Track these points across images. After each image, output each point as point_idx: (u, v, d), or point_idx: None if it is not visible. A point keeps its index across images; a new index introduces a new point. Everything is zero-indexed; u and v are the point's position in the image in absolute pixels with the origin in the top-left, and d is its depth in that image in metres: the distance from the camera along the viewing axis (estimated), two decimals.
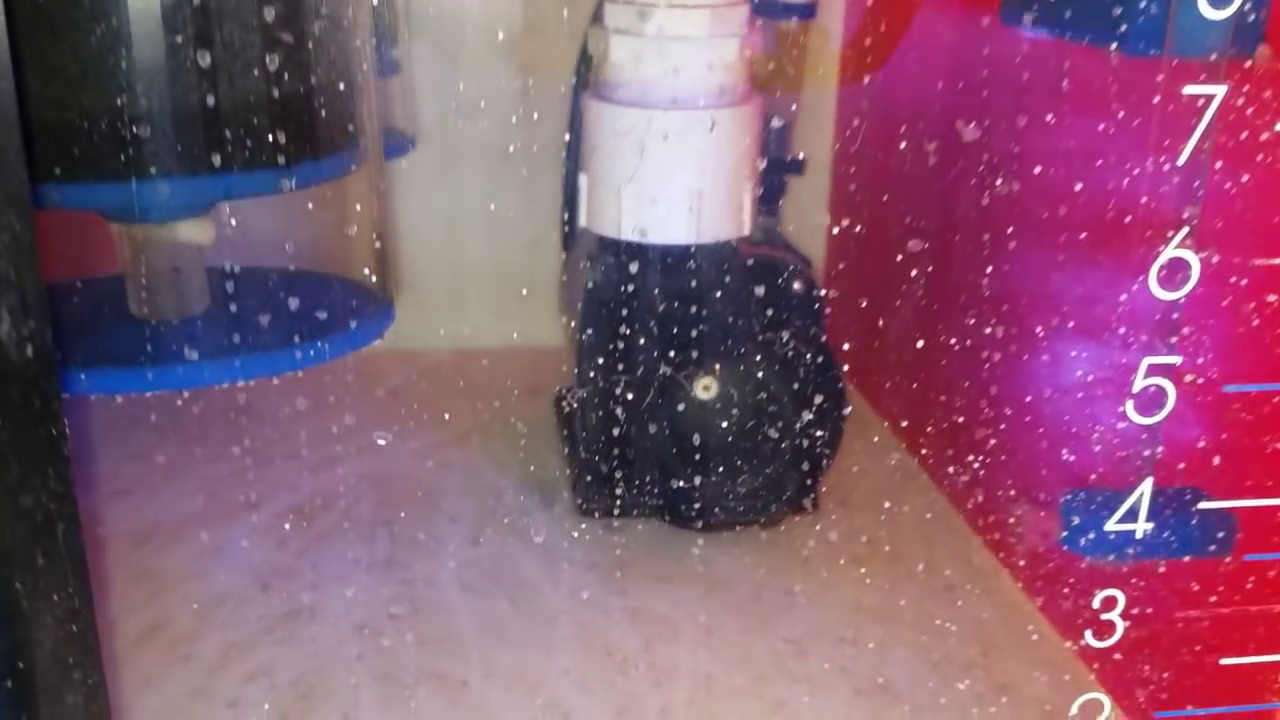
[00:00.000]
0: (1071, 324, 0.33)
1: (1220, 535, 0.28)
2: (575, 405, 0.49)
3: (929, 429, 0.53)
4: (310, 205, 0.35)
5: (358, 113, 0.32)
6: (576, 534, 0.48)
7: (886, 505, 0.51)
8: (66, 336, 0.32)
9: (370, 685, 0.39)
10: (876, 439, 0.57)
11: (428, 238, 0.62)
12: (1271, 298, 0.27)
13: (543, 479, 0.52)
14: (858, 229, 0.63)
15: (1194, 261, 0.25)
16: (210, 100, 0.28)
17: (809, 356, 0.47)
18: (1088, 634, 0.29)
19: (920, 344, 0.51)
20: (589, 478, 0.49)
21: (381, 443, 0.53)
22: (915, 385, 0.54)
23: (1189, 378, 0.27)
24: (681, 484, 0.47)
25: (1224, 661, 0.29)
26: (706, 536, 0.48)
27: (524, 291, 0.62)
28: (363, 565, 0.46)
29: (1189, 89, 0.24)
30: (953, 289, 0.49)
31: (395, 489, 0.51)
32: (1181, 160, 0.24)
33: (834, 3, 0.62)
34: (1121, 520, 0.27)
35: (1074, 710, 0.32)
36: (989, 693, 0.37)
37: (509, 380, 0.61)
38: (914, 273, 0.52)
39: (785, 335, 0.47)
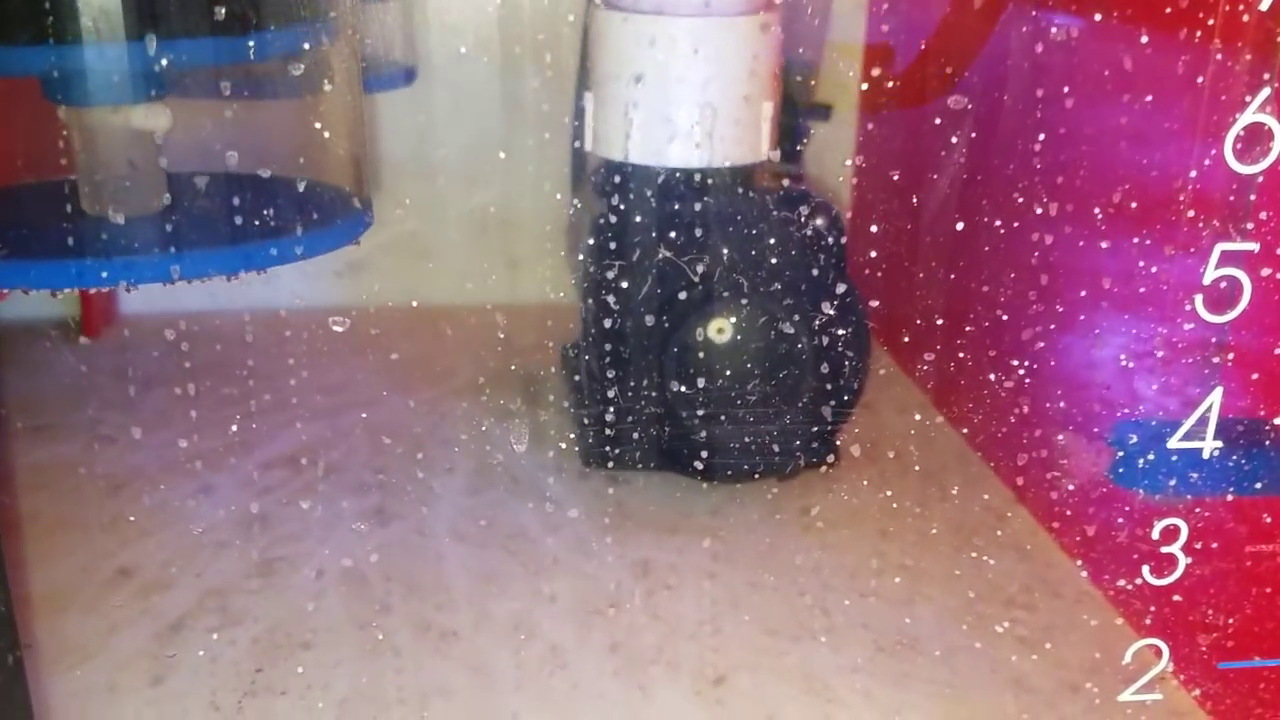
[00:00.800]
0: (1134, 205, 0.29)
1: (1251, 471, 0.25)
2: (580, 350, 0.46)
3: (959, 383, 0.49)
4: (285, 107, 0.32)
5: None
6: (579, 486, 0.45)
7: (914, 455, 0.47)
8: (17, 232, 0.29)
9: (353, 634, 0.36)
10: (901, 391, 0.53)
11: (430, 181, 0.59)
12: None
13: (546, 432, 0.49)
14: (884, 176, 0.59)
15: (1278, 129, 0.22)
16: None
17: (831, 297, 0.43)
18: (1145, 570, 0.25)
19: (945, 279, 0.48)
20: (592, 428, 0.45)
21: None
22: (941, 331, 0.50)
23: (1266, 271, 0.23)
24: (690, 434, 0.44)
25: None
26: (718, 489, 0.45)
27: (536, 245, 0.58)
28: (354, 514, 0.43)
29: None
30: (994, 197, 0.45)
31: (398, 440, 0.48)
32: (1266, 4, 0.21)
33: None
34: (1186, 438, 0.23)
35: (1127, 658, 0.28)
36: (1033, 637, 0.34)
37: (517, 335, 0.57)
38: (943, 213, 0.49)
39: (806, 273, 0.43)
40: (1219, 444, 0.24)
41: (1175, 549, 0.25)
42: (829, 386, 0.44)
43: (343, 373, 0.54)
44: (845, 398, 0.45)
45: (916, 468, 0.47)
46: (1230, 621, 0.26)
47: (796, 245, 0.44)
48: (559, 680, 0.34)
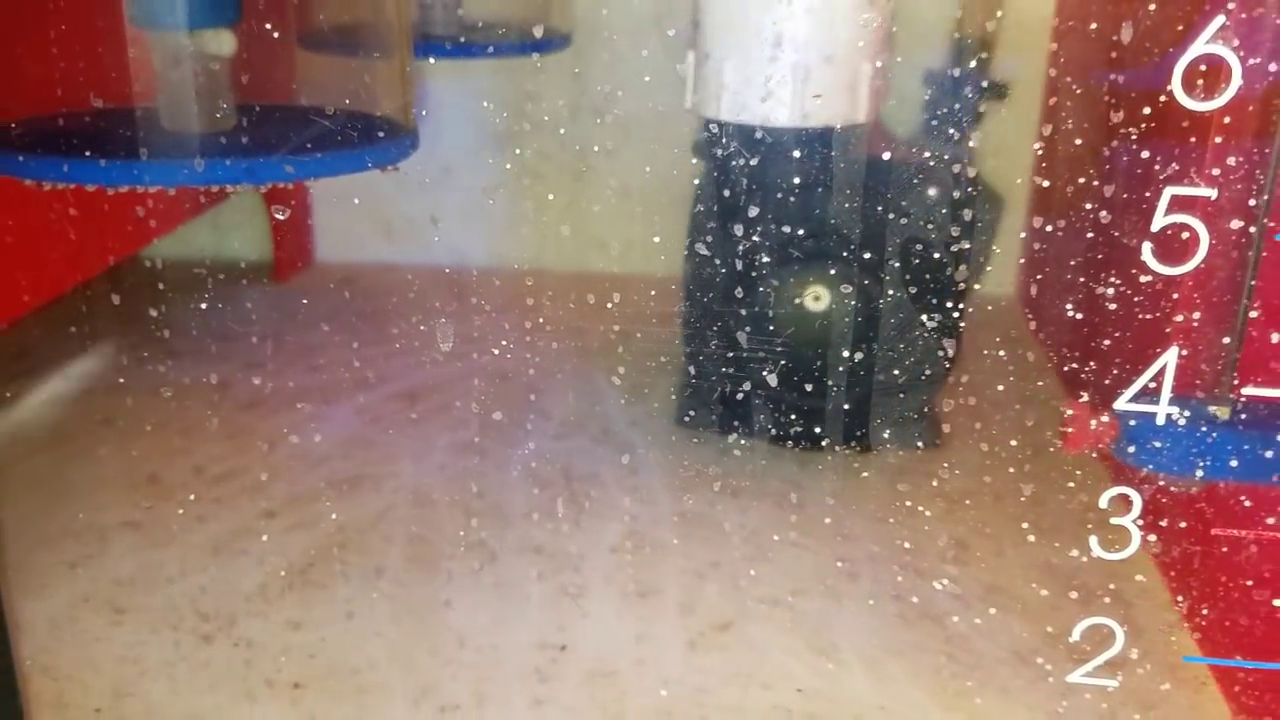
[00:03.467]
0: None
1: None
2: (684, 310, 0.47)
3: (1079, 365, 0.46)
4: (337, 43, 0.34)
5: None
6: (664, 443, 0.46)
7: (1015, 452, 0.45)
8: (104, 142, 0.33)
9: (404, 545, 0.39)
10: (1042, 383, 0.50)
11: (580, 152, 0.61)
12: None
13: (652, 393, 0.50)
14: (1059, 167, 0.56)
15: (1234, 61, 0.19)
16: None
17: (922, 277, 0.42)
18: (1092, 541, 0.23)
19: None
20: (689, 390, 0.46)
21: (445, 347, 0.53)
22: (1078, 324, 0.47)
23: (1236, 224, 0.21)
24: (778, 400, 0.43)
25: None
26: (800, 456, 0.44)
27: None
28: (446, 446, 0.45)
29: None
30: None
31: (507, 388, 0.51)
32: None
33: None
34: (1135, 400, 0.22)
35: (1075, 635, 0.26)
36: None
37: (647, 304, 0.59)
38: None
39: (903, 246, 0.42)
40: (1173, 410, 0.22)
41: (1127, 521, 0.23)
42: (917, 363, 0.43)
43: (483, 325, 0.57)
44: (934, 376, 0.43)
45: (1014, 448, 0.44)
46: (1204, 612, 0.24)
47: (900, 216, 0.43)
48: (569, 600, 0.35)
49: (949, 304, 0.44)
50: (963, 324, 0.44)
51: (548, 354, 0.55)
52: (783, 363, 0.43)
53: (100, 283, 0.45)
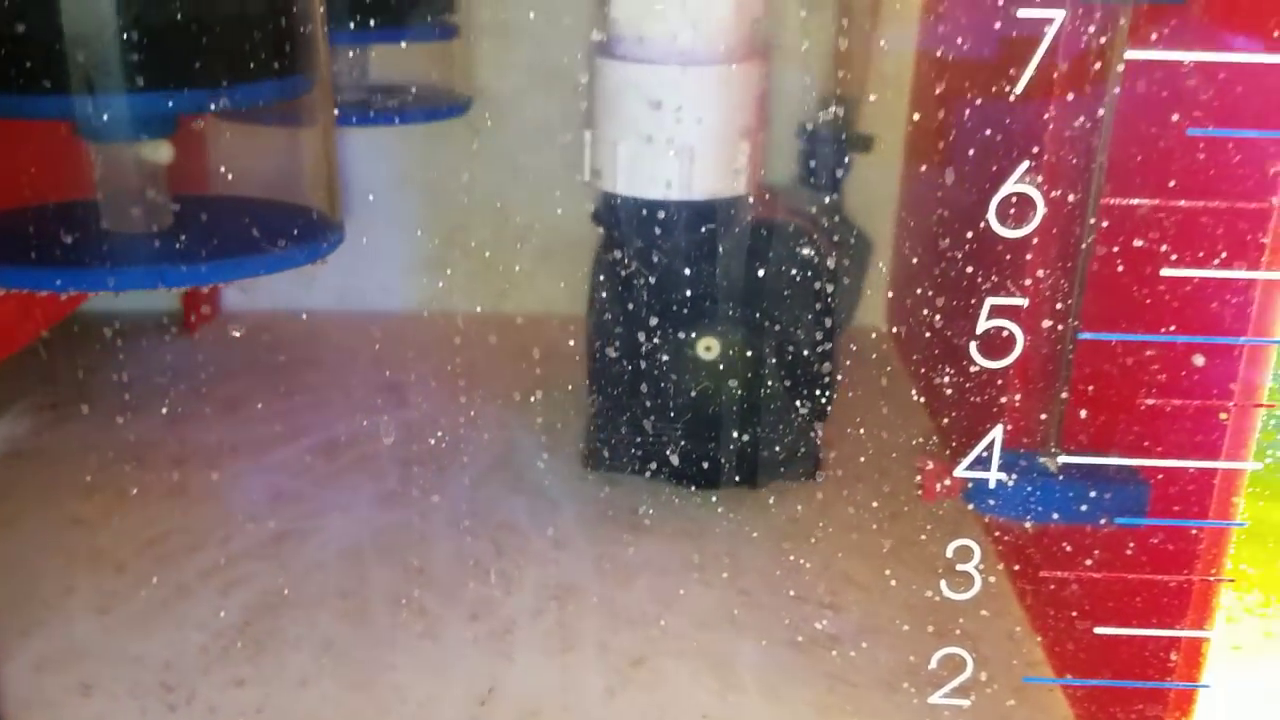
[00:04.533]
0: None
1: (1094, 496, 0.27)
2: (587, 362, 0.51)
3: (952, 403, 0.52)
4: (266, 134, 0.37)
5: (307, 37, 0.34)
6: (575, 484, 0.50)
7: (896, 474, 0.50)
8: (50, 246, 0.35)
9: (335, 602, 0.42)
10: (911, 413, 0.56)
11: (478, 200, 0.64)
12: (1137, 241, 0.26)
13: (559, 435, 0.54)
14: (920, 210, 0.61)
15: (1038, 198, 0.24)
16: (157, 20, 0.31)
17: (803, 321, 0.47)
18: (942, 585, 0.28)
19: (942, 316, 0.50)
20: (594, 431, 0.50)
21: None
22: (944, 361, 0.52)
23: (1047, 323, 0.26)
24: (677, 442, 0.48)
25: (1099, 631, 0.28)
26: (702, 494, 0.49)
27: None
28: (366, 499, 0.48)
29: (1024, 11, 0.23)
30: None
31: (424, 436, 0.54)
32: (1019, 89, 0.24)
33: None
34: (971, 467, 0.26)
35: (933, 664, 0.31)
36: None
37: (554, 344, 0.62)
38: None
39: (781, 297, 0.47)
40: (1002, 475, 0.26)
41: (970, 567, 0.27)
42: (798, 403, 0.47)
43: (395, 373, 0.60)
44: (814, 413, 0.48)
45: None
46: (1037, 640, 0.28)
47: (777, 273, 0.48)
48: (503, 646, 0.39)
49: (825, 344, 0.48)
50: (838, 362, 0.48)
51: (462, 399, 0.58)
52: (680, 408, 0.48)
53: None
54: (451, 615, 0.41)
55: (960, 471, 0.27)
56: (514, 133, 0.63)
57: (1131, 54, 0.24)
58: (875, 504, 0.46)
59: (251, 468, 0.51)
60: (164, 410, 0.56)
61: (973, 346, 0.25)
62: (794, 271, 0.48)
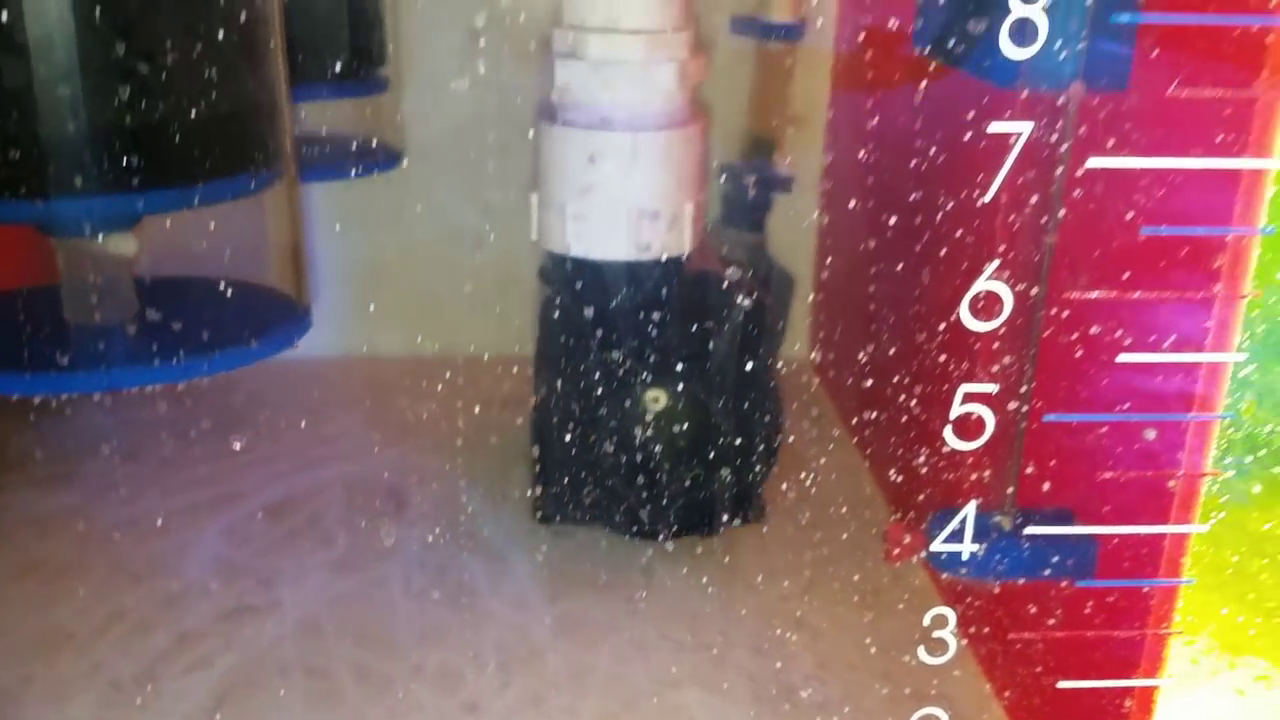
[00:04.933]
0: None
1: (1055, 560, 0.29)
2: (534, 415, 0.51)
3: (881, 441, 0.54)
4: (232, 219, 0.37)
5: (274, 131, 0.34)
6: (529, 540, 0.50)
7: (831, 515, 0.52)
8: (9, 340, 0.35)
9: (300, 680, 0.41)
10: (841, 450, 0.58)
11: (421, 249, 0.64)
12: (1094, 329, 0.28)
13: (508, 487, 0.54)
14: (840, 247, 0.64)
15: (1006, 294, 0.26)
16: (124, 123, 0.30)
17: (746, 369, 0.48)
18: (920, 650, 0.29)
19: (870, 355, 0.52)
20: (543, 487, 0.50)
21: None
22: (873, 398, 0.54)
23: (1013, 405, 0.28)
24: (626, 494, 0.49)
25: (1061, 685, 0.30)
26: (653, 545, 0.50)
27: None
28: (319, 565, 0.48)
29: (995, 126, 0.25)
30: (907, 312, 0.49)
31: (366, 493, 0.54)
32: (988, 196, 0.25)
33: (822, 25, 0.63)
34: (947, 540, 0.28)
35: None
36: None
37: (498, 388, 0.62)
38: (884, 289, 0.53)
39: (722, 348, 0.48)
40: (975, 546, 0.28)
41: (946, 633, 0.29)
42: (743, 450, 0.49)
43: (334, 425, 0.60)
44: (760, 461, 0.49)
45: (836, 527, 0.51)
46: (1006, 695, 0.30)
47: (719, 325, 0.49)
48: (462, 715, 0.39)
49: (769, 391, 0.50)
50: (782, 406, 0.50)
51: (406, 449, 0.58)
52: (629, 460, 0.49)
53: None
54: (421, 689, 0.41)
55: (936, 545, 0.28)
56: (446, 183, 0.63)
57: (1094, 163, 0.26)
58: (826, 550, 0.48)
59: (196, 536, 0.50)
60: (95, 477, 0.55)
61: (949, 430, 0.27)
62: (737, 322, 0.49)
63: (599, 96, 0.46)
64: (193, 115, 0.32)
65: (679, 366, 0.48)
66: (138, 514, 0.52)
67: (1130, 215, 0.27)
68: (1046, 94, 0.25)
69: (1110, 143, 0.26)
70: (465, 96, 0.62)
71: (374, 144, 0.61)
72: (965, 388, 0.27)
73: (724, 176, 0.65)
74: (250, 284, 0.38)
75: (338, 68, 0.56)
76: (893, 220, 0.46)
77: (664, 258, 0.48)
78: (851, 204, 0.59)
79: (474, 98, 0.61)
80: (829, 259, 0.66)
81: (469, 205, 0.64)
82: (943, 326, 0.33)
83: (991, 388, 0.27)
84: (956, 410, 0.27)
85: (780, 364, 0.62)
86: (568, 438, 0.49)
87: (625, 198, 0.46)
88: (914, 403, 0.39)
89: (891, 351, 0.47)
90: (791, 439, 0.55)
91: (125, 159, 0.31)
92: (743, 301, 0.50)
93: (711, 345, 0.49)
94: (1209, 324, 0.27)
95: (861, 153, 0.56)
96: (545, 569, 0.48)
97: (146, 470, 0.55)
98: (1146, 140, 0.26)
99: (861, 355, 0.56)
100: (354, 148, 0.60)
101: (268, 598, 0.46)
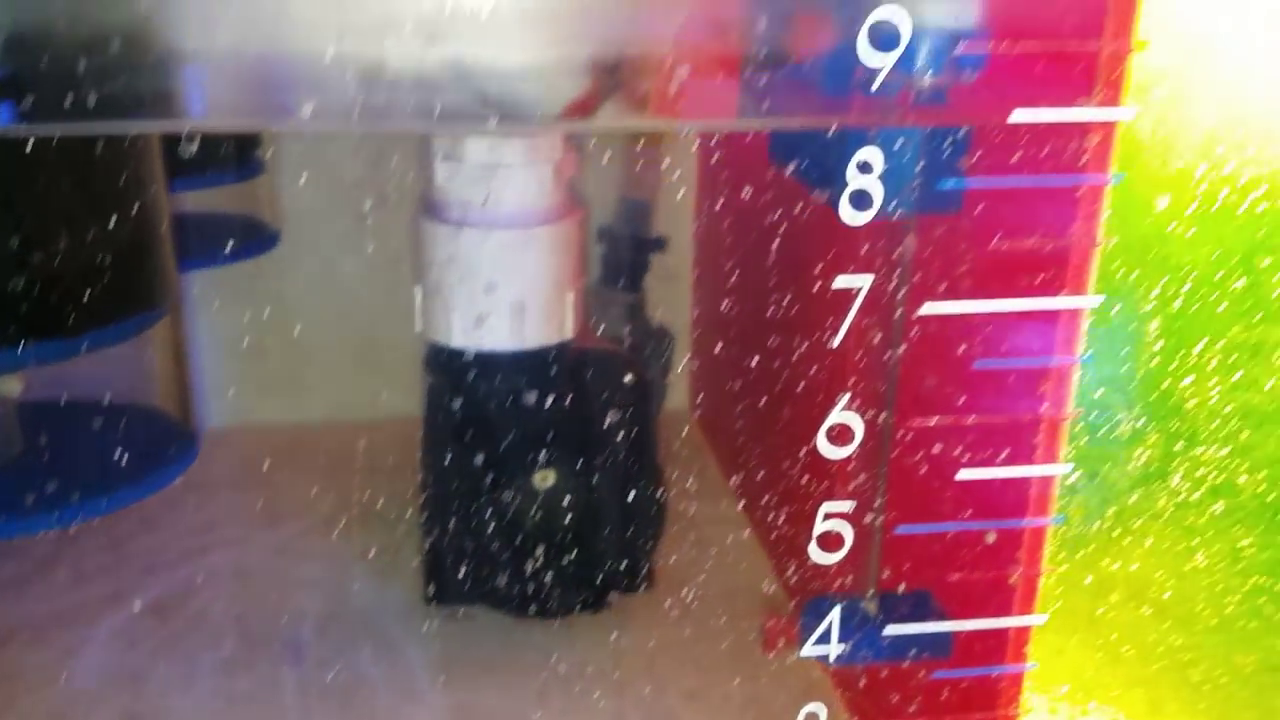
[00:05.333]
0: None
1: (913, 652, 0.32)
2: (423, 498, 0.52)
3: (763, 503, 0.56)
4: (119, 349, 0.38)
5: (157, 268, 0.35)
6: (421, 626, 0.51)
7: (718, 584, 0.54)
8: None
9: None
10: (726, 511, 0.60)
11: (305, 322, 0.65)
12: (935, 448, 0.31)
13: (398, 566, 0.55)
14: (714, 304, 0.66)
15: (857, 424, 0.29)
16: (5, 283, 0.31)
17: (628, 446, 0.50)
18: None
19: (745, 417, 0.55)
20: (434, 570, 0.52)
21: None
22: (753, 457, 0.57)
23: (869, 518, 0.30)
24: (516, 574, 0.50)
25: None
26: (541, 624, 0.51)
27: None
28: (207, 666, 0.48)
29: (839, 281, 0.28)
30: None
31: (253, 583, 0.54)
32: (836, 342, 0.28)
33: None
34: (817, 643, 0.31)
35: None
36: None
37: (382, 458, 0.63)
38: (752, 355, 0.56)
39: (609, 429, 0.50)
40: (841, 647, 0.31)
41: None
42: (632, 525, 0.51)
43: (217, 505, 0.59)
44: (647, 533, 0.52)
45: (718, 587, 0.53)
46: None
47: (602, 403, 0.51)
48: None
49: (647, 458, 0.52)
50: (665, 478, 0.52)
51: (293, 530, 0.58)
52: (519, 541, 0.50)
53: None
54: None
55: (807, 650, 0.31)
56: (324, 264, 0.64)
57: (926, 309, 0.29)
58: (711, 621, 0.50)
59: (80, 641, 0.50)
60: None
61: (813, 546, 0.29)
62: (620, 398, 0.52)
63: (477, 195, 0.47)
64: (75, 269, 0.32)
65: (565, 447, 0.50)
66: (17, 620, 0.51)
67: (963, 349, 0.30)
68: (884, 248, 0.28)
69: (942, 287, 0.29)
70: (338, 179, 0.63)
71: (251, 224, 0.61)
72: (826, 506, 0.29)
73: (600, 239, 0.68)
74: (137, 408, 0.38)
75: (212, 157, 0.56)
76: (754, 360, 0.49)
77: (546, 345, 0.50)
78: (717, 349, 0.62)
79: (347, 180, 0.62)
80: (703, 315, 0.69)
81: (347, 282, 0.65)
82: (803, 452, 0.36)
83: (848, 505, 0.30)
84: (819, 527, 0.29)
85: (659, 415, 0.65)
86: (456, 522, 0.50)
87: (505, 292, 0.48)
88: (781, 520, 0.41)
89: (759, 477, 0.49)
90: (674, 492, 0.57)
91: (9, 315, 0.32)
92: (626, 379, 0.52)
93: (597, 424, 0.51)
94: (1038, 439, 0.30)
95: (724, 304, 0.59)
96: (438, 655, 0.49)
97: (26, 570, 0.54)
98: (972, 285, 0.30)
99: (733, 479, 0.58)
100: (231, 229, 0.61)
101: (162, 704, 0.46)
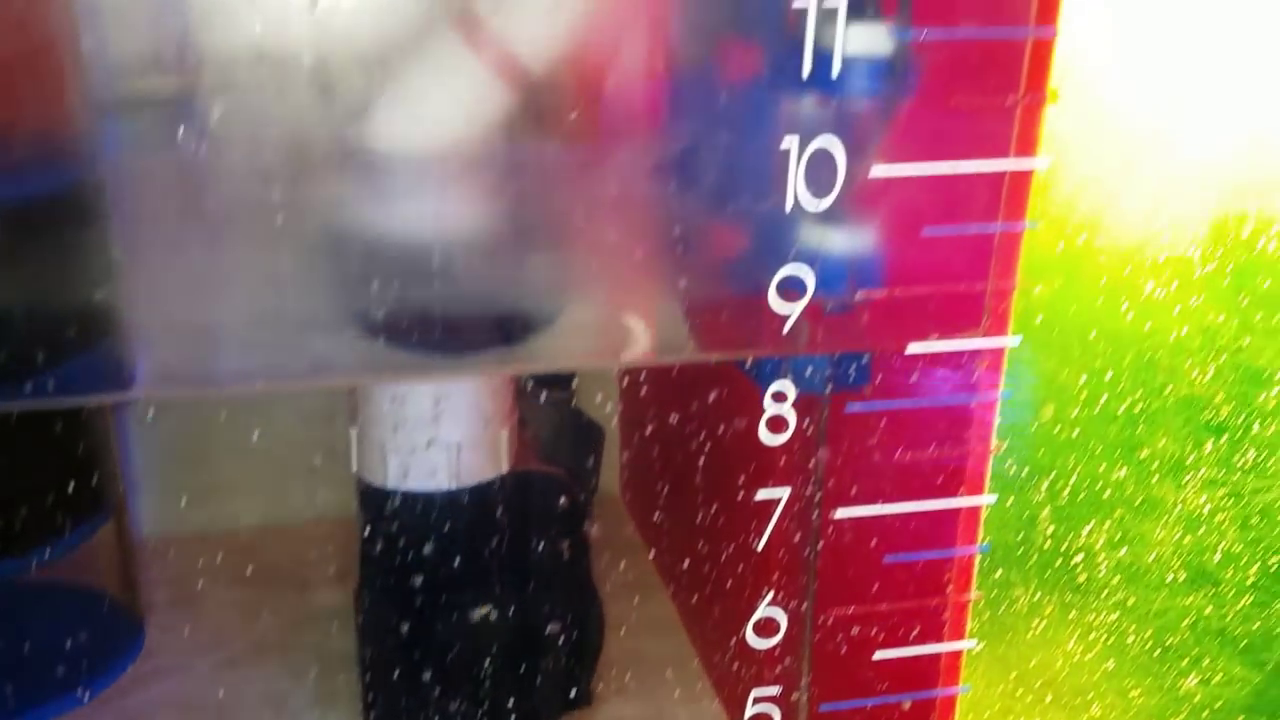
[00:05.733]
0: None
1: None
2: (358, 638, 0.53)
3: (695, 604, 0.58)
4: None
5: (103, 475, 0.36)
6: None
7: (657, 693, 0.56)
8: None
9: None
10: (664, 615, 0.62)
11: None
12: (853, 631, 0.34)
13: (336, 695, 0.55)
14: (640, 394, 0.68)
15: (781, 617, 0.31)
16: None
17: (563, 570, 0.52)
18: None
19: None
20: (373, 708, 0.53)
21: None
22: (683, 552, 0.59)
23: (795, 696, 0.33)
24: (455, 707, 0.52)
25: None
26: None
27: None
28: None
29: (761, 493, 0.30)
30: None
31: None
32: (761, 544, 0.31)
33: None
34: None
35: None
36: None
37: (320, 569, 0.63)
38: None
39: (540, 554, 0.52)
40: None
41: None
42: (572, 647, 0.53)
43: (155, 629, 0.58)
44: (587, 652, 0.54)
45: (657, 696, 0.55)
46: None
47: (539, 529, 0.53)
48: None
49: (585, 578, 0.54)
50: (603, 594, 0.54)
51: (228, 655, 0.58)
52: (459, 676, 0.52)
53: None
54: None
55: None
56: None
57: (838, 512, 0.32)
58: None
59: None
60: None
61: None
62: (556, 523, 0.53)
63: None
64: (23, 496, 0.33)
65: (503, 578, 0.51)
66: None
67: (874, 543, 0.32)
68: (801, 460, 0.31)
69: (854, 490, 0.32)
70: None
71: None
72: (755, 691, 0.32)
73: None
74: (84, 591, 0.39)
75: None
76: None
77: (481, 482, 0.51)
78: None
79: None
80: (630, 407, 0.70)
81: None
82: (732, 641, 0.38)
83: (775, 689, 0.32)
84: (750, 710, 0.32)
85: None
86: (394, 662, 0.51)
87: (442, 433, 0.50)
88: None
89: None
90: (610, 580, 0.59)
91: None
92: (562, 500, 0.54)
93: (533, 551, 0.52)
94: (946, 616, 0.33)
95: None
96: None
97: None
98: (876, 489, 0.32)
99: (666, 492, 0.60)
100: None
101: None
